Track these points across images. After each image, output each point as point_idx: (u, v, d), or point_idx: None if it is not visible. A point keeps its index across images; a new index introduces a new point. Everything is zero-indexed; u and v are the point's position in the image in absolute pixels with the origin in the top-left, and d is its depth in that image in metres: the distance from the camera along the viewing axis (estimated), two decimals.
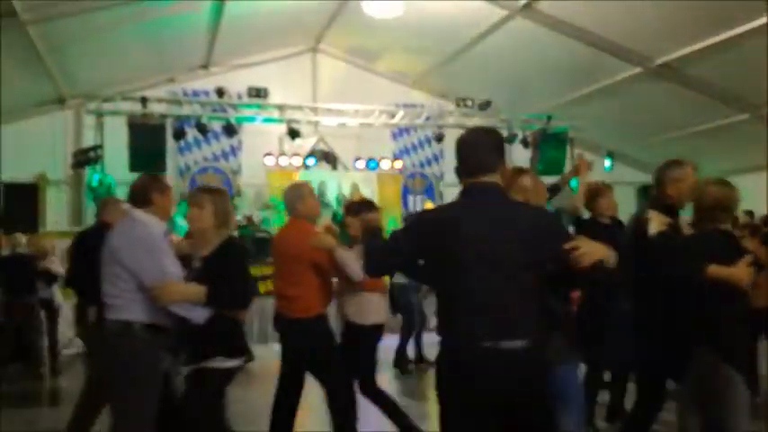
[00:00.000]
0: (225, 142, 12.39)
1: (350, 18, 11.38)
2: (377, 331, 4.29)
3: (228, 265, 3.25)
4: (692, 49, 9.48)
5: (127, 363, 3.06)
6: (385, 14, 10.34)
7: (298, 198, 4.15)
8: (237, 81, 11.53)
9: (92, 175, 10.74)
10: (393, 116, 12.21)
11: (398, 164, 13.27)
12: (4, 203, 9.13)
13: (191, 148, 12.40)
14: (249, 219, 11.39)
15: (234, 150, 12.76)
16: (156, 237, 3.21)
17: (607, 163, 12.74)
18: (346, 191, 12.65)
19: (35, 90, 10.69)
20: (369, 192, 12.91)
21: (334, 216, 12.05)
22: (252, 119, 11.58)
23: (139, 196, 3.27)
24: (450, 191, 13.48)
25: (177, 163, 12.37)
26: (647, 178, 14.14)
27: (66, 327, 8.96)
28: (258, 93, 10.94)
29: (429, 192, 13.80)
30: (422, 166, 14.01)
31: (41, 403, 6.99)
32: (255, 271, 9.93)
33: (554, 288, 2.69)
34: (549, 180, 14.54)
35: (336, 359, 4.10)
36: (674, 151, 13.92)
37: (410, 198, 13.58)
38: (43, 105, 11.29)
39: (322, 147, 12.88)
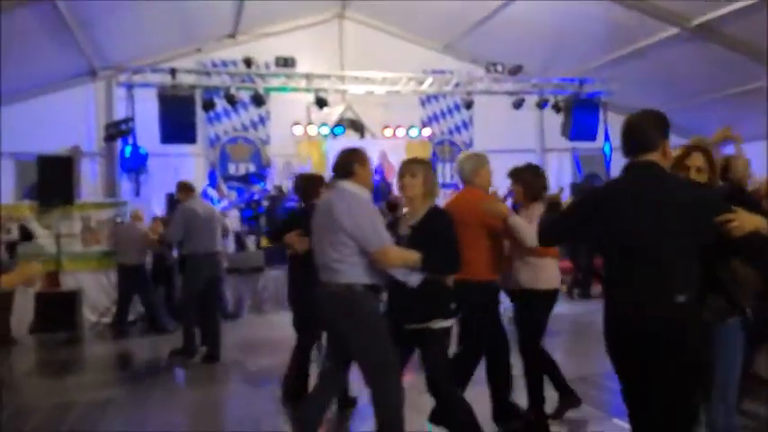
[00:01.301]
0: (253, 112, 12.42)
1: None
2: (550, 297, 4.31)
3: (439, 232, 3.50)
4: (732, 8, 9.12)
5: (357, 320, 3.42)
6: None
7: (475, 169, 4.25)
8: (265, 50, 11.48)
9: (125, 148, 10.87)
10: (421, 83, 12.06)
11: (427, 131, 13.15)
12: (39, 176, 9.29)
13: (220, 118, 12.46)
14: (279, 188, 11.44)
15: (262, 120, 12.79)
16: (370, 205, 3.55)
17: None
18: (374, 159, 12.60)
19: (66, 63, 10.80)
20: (397, 160, 12.84)
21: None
22: (280, 89, 11.55)
23: (344, 169, 3.57)
24: None
25: (207, 133, 12.44)
26: (683, 143, 13.82)
27: (102, 295, 9.23)
28: (285, 62, 10.88)
29: None
30: (450, 133, 13.87)
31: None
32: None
33: (719, 255, 2.82)
34: (583, 146, 14.04)
35: (488, 328, 4.19)
36: (712, 114, 13.66)
37: (439, 166, 13.46)
38: (75, 78, 11.41)
39: (350, 115, 12.82)
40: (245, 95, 11.39)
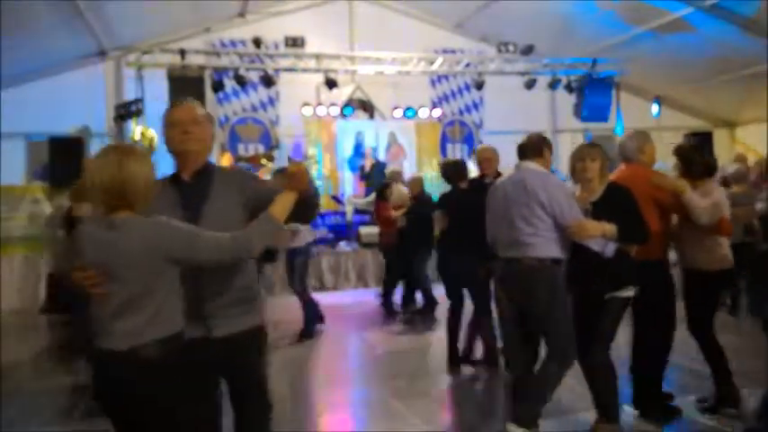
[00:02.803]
0: (263, 93, 12.35)
1: None
2: (723, 277, 4.26)
3: (622, 203, 3.70)
4: None
5: (546, 291, 3.66)
6: None
7: (640, 146, 4.27)
8: (274, 29, 11.39)
9: (134, 129, 10.86)
10: (431, 63, 11.94)
11: (437, 112, 13.04)
12: (50, 157, 9.31)
13: (229, 98, 12.41)
14: None
15: (272, 101, 12.73)
16: (561, 182, 3.88)
17: (655, 108, 12.30)
18: (384, 140, 12.54)
19: (75, 43, 10.76)
20: (407, 141, 12.79)
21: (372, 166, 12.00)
22: (290, 70, 11.46)
23: (535, 150, 3.88)
24: (490, 139, 13.27)
25: (217, 114, 12.40)
26: (695, 124, 13.66)
27: None
28: (295, 42, 10.80)
29: (468, 140, 13.59)
30: (461, 113, 13.76)
31: None
32: None
33: None
34: (596, 127, 13.88)
35: (666, 305, 4.19)
36: (725, 95, 13.42)
37: (449, 147, 13.38)
38: (84, 58, 11.37)
39: (359, 95, 12.74)
40: (254, 76, 11.34)
